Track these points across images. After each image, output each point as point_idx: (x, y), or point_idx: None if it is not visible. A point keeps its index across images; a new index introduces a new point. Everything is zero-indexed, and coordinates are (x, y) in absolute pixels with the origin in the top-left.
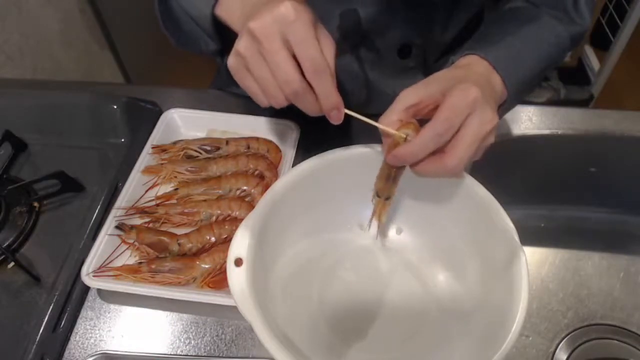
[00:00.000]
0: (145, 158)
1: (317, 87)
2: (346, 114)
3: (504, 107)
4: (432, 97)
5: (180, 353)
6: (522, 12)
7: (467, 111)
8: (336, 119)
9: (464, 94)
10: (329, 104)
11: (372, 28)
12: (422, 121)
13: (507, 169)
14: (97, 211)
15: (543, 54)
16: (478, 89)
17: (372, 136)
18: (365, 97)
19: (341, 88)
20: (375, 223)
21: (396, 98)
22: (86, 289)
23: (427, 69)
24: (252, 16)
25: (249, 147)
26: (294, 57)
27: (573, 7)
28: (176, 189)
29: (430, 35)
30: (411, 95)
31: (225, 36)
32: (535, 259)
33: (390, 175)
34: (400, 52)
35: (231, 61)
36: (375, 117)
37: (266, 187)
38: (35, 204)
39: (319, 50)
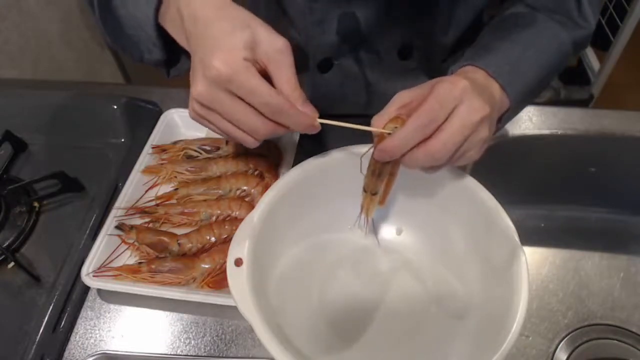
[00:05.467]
0: (145, 158)
1: (283, 122)
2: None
3: (507, 115)
4: (422, 95)
5: (180, 353)
6: (522, 18)
7: (454, 102)
8: (312, 132)
9: (451, 85)
10: (302, 127)
11: (371, 30)
12: None
13: (507, 169)
14: (97, 211)
15: (545, 61)
16: (466, 81)
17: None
18: (366, 99)
19: (341, 90)
20: (365, 219)
21: (390, 100)
22: (86, 289)
23: (433, 70)
24: (192, 78)
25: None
26: None
27: (577, 11)
28: (176, 189)
29: (431, 36)
30: (403, 95)
31: (172, 46)
32: (535, 259)
33: (375, 170)
34: (401, 53)
35: (192, 115)
36: None
37: (266, 187)
38: (35, 204)
39: (269, 91)
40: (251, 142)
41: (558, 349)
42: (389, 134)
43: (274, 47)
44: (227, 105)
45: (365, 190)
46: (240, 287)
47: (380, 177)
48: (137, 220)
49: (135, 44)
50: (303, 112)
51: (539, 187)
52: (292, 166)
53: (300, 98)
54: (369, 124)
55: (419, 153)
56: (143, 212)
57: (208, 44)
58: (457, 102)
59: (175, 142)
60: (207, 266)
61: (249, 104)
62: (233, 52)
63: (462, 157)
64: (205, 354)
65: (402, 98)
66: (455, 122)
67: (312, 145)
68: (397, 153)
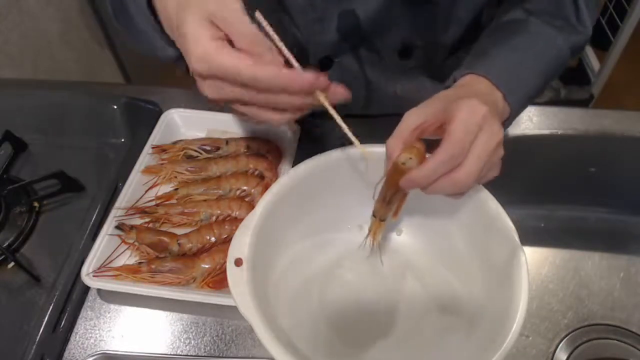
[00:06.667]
0: (145, 158)
1: (283, 87)
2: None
3: (507, 122)
4: (435, 115)
5: (180, 353)
6: (520, 25)
7: (476, 130)
8: (319, 86)
9: (472, 113)
10: (305, 89)
11: (372, 29)
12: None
13: (507, 168)
14: (97, 211)
15: (544, 66)
16: (485, 106)
17: (373, 136)
18: (366, 97)
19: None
20: (371, 242)
21: (401, 120)
22: (86, 289)
23: (434, 69)
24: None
25: (248, 147)
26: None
27: (575, 16)
28: (176, 189)
29: (431, 35)
30: (415, 116)
31: None
32: (535, 259)
33: (385, 197)
34: (401, 53)
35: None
36: (376, 118)
37: (266, 187)
38: (35, 204)
39: (246, 64)
40: (278, 119)
41: (558, 349)
42: (404, 164)
43: (225, 10)
44: (229, 92)
45: (374, 216)
46: (240, 287)
47: (390, 204)
48: (137, 220)
49: (149, 40)
50: (293, 73)
51: (539, 187)
52: (292, 166)
53: (264, 50)
54: (368, 124)
55: (445, 182)
56: (143, 212)
57: (180, 42)
58: (479, 129)
59: (175, 142)
60: (207, 266)
61: (245, 84)
62: (200, 43)
63: (484, 177)
64: (205, 354)
65: (413, 119)
66: (478, 151)
67: (312, 145)
68: (426, 183)
